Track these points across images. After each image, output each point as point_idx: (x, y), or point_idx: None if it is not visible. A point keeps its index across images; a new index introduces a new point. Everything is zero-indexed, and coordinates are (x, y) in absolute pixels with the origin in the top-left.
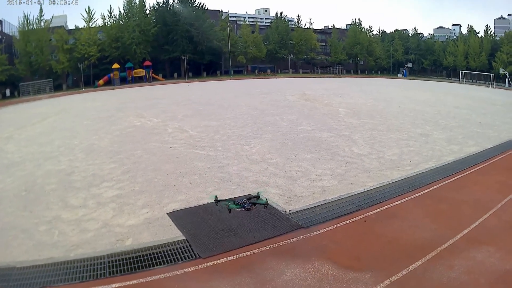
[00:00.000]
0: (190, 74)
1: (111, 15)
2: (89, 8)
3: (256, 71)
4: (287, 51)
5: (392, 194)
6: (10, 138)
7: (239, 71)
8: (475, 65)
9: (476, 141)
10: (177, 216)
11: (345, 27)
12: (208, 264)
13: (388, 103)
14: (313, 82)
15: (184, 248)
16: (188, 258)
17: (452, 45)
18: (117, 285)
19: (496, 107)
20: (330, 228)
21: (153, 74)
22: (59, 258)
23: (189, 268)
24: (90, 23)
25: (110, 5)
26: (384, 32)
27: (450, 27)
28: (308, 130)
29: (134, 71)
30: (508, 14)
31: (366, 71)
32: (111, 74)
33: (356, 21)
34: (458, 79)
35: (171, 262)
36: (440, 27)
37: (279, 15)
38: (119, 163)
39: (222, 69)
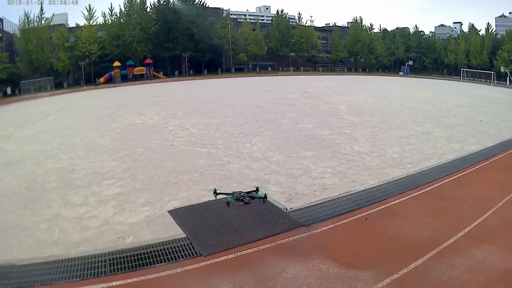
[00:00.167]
0: (191, 71)
1: (111, 13)
2: (90, 6)
3: (257, 69)
4: (288, 49)
5: (393, 192)
6: (11, 136)
7: (240, 69)
8: (476, 63)
9: (477, 139)
10: (178, 214)
11: (346, 25)
12: (209, 262)
13: (389, 101)
14: (314, 80)
15: (185, 246)
16: (189, 256)
17: (453, 43)
18: (117, 282)
19: (497, 105)
20: (331, 226)
21: (154, 72)
22: (60, 256)
23: (190, 266)
24: (91, 21)
25: (111, 3)
26: (385, 30)
27: (451, 25)
28: (309, 128)
29: (135, 69)
30: (510, 12)
31: (367, 69)
32: (112, 72)
33: (357, 19)
34: (459, 77)
35: (172, 260)
36: (441, 25)
37: (280, 12)
38: (120, 161)
39: (223, 67)
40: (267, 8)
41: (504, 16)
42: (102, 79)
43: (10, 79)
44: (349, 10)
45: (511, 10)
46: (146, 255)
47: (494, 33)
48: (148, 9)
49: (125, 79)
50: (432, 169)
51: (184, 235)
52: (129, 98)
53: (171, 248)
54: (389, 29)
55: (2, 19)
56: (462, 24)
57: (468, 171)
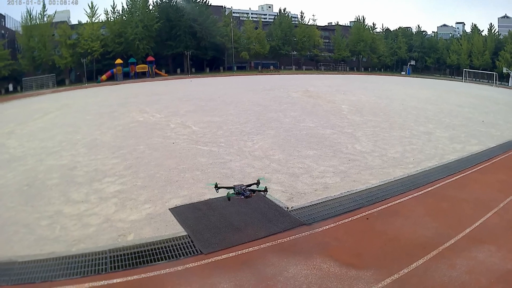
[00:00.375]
0: (193, 69)
1: (114, 11)
2: (92, 3)
3: (259, 67)
4: (290, 47)
5: (394, 192)
6: (12, 133)
7: (242, 67)
8: (479, 64)
9: (479, 140)
10: (179, 212)
11: (349, 24)
12: (209, 260)
13: (391, 100)
14: (316, 79)
15: (185, 244)
16: (190, 254)
17: (455, 44)
18: (118, 280)
19: (499, 106)
20: (332, 225)
21: (156, 70)
22: (61, 253)
23: (190, 264)
24: (93, 19)
25: (113, 1)
26: (387, 29)
27: (454, 25)
28: (311, 126)
29: (137, 66)
30: None
31: (369, 69)
32: (114, 70)
33: (360, 18)
34: (461, 78)
35: (172, 257)
36: (444, 25)
37: (282, 11)
38: (121, 158)
39: (225, 65)
40: (269, 7)
41: (507, 17)
42: (104, 77)
43: (12, 76)
44: (352, 9)
45: None
46: (147, 252)
47: (497, 33)
48: (151, 7)
49: (127, 76)
50: (433, 169)
51: (185, 233)
52: (131, 95)
53: (172, 246)
54: (391, 29)
55: (5, 16)
56: (464, 24)
57: (470, 171)
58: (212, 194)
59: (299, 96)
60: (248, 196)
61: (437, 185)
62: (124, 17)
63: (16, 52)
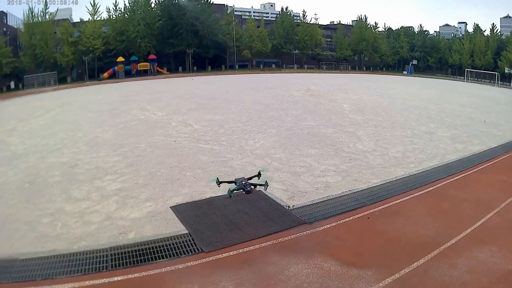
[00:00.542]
0: (195, 68)
1: (116, 8)
2: (94, 1)
3: (261, 65)
4: (292, 46)
5: (395, 192)
6: (14, 130)
7: (244, 66)
8: (481, 64)
9: (480, 140)
10: (180, 210)
11: (351, 23)
12: (210, 259)
13: (392, 100)
14: (318, 78)
15: (186, 242)
16: (191, 252)
17: (457, 43)
18: (119, 278)
19: (501, 106)
20: (333, 224)
21: (157, 68)
22: (62, 250)
23: (191, 262)
24: (95, 16)
25: None
26: (389, 28)
27: (456, 25)
28: (313, 125)
29: (138, 64)
30: None
31: (371, 68)
32: (116, 67)
33: (362, 17)
34: (463, 77)
35: (173, 256)
36: (446, 24)
37: (284, 10)
38: (122, 156)
39: (227, 64)
40: (271, 5)
41: (509, 17)
42: (105, 74)
43: (14, 74)
44: (354, 9)
45: None
46: (148, 250)
47: (499, 33)
48: (153, 5)
49: (128, 74)
50: (435, 169)
51: (186, 231)
52: (132, 93)
53: (172, 244)
54: (393, 28)
55: (6, 14)
56: (467, 24)
57: (471, 171)
58: (213, 192)
59: (301, 95)
60: (249, 191)
61: (438, 185)
62: (126, 15)
63: (17, 50)
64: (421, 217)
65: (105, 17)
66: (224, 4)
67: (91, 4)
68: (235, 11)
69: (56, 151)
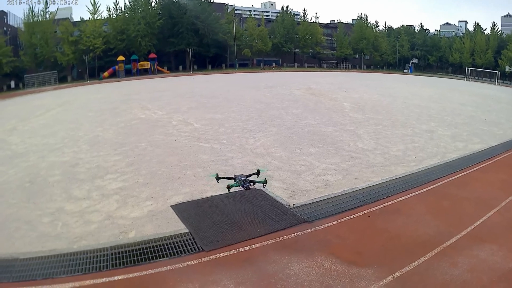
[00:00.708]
0: (195, 67)
1: (116, 7)
2: (94, 0)
3: (262, 64)
4: (293, 45)
5: (396, 190)
6: (14, 129)
7: (244, 65)
8: (481, 62)
9: (481, 138)
10: (180, 209)
11: (351, 22)
12: (211, 257)
13: (393, 98)
14: (318, 76)
15: (187, 241)
16: (191, 251)
17: (458, 42)
18: (119, 277)
19: (501, 105)
20: (334, 223)
21: (158, 67)
22: (62, 249)
23: (192, 261)
24: (96, 15)
25: None
26: (390, 27)
27: (457, 24)
28: (313, 124)
29: (139, 63)
30: None
31: (372, 66)
32: (116, 66)
33: (362, 16)
34: (463, 76)
35: (174, 255)
36: (447, 23)
37: (285, 8)
38: (123, 155)
39: (227, 62)
40: (272, 4)
41: (510, 16)
42: (106, 74)
43: (14, 73)
44: (354, 7)
45: None
46: (148, 249)
47: (500, 32)
48: (153, 4)
49: (129, 73)
50: (435, 168)
51: (187, 230)
52: (133, 92)
53: (173, 243)
54: (394, 27)
55: (7, 13)
56: (467, 22)
57: (472, 170)
58: (213, 191)
59: (301, 94)
60: (248, 188)
61: (438, 184)
62: (126, 14)
63: (18, 49)
64: (422, 216)
65: (105, 16)
66: (224, 3)
67: (91, 3)
68: (236, 10)
69: (56, 150)
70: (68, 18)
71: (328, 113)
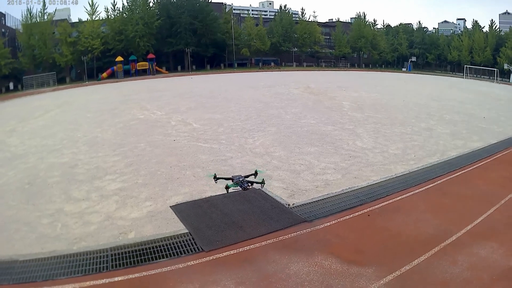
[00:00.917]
0: (194, 66)
1: (114, 8)
2: (92, 1)
3: (260, 64)
4: (291, 44)
5: (395, 189)
6: (13, 131)
7: (243, 64)
8: (480, 60)
9: (480, 136)
10: (180, 209)
11: (349, 21)
12: (211, 258)
13: (392, 97)
14: (317, 75)
15: (187, 241)
16: (191, 251)
17: (456, 40)
18: (119, 278)
19: (500, 103)
20: (333, 222)
21: (156, 67)
22: (62, 251)
23: (192, 262)
24: (94, 16)
25: None
26: (388, 25)
27: (455, 22)
28: (312, 123)
29: (137, 64)
30: None
31: (370, 65)
32: (115, 67)
33: (361, 15)
34: (462, 74)
35: (174, 255)
36: (445, 21)
37: (283, 8)
38: (122, 156)
39: (226, 62)
40: (270, 3)
41: (508, 13)
42: (104, 74)
43: (13, 74)
44: (352, 6)
45: None
46: (148, 250)
47: (498, 30)
48: (151, 4)
49: (127, 74)
50: (435, 166)
51: (186, 231)
52: (131, 93)
53: (173, 243)
54: (392, 25)
55: (5, 14)
56: (465, 20)
57: (471, 168)
58: (213, 191)
59: (300, 93)
60: (246, 188)
61: (438, 182)
62: (124, 15)
63: (16, 51)
64: (422, 214)
65: (103, 17)
66: (222, 3)
67: (89, 4)
68: (234, 9)
69: (55, 152)
70: (66, 19)
71: (327, 112)
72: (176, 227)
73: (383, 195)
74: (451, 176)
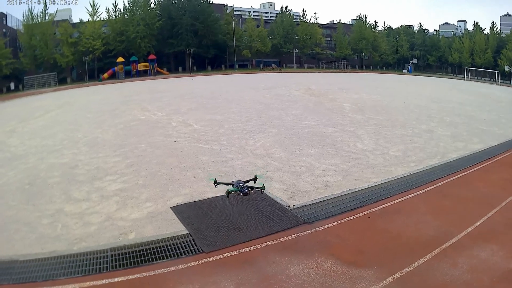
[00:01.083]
0: (195, 68)
1: (115, 9)
2: (93, 1)
3: (261, 65)
4: (292, 45)
5: (396, 191)
6: (14, 131)
7: (244, 65)
8: (481, 62)
9: (481, 138)
10: (180, 210)
11: (351, 22)
12: (211, 259)
13: (393, 98)
14: (318, 77)
15: (187, 242)
16: (191, 252)
17: (457, 42)
18: (119, 279)
19: (501, 105)
20: (334, 223)
21: (157, 68)
22: (62, 251)
23: (192, 263)
24: (95, 17)
25: None
26: (389, 27)
27: (456, 24)
28: (313, 125)
29: (138, 64)
30: None
31: (371, 67)
32: (116, 68)
33: (362, 16)
34: (463, 76)
35: (174, 256)
36: (446, 23)
37: (284, 9)
38: (123, 157)
39: (227, 63)
40: (271, 5)
41: (509, 15)
42: (105, 75)
43: (14, 75)
44: (354, 8)
45: None
46: (148, 251)
47: (499, 32)
48: (152, 5)
49: (128, 75)
50: (435, 168)
51: (187, 232)
52: (132, 93)
53: (173, 244)
54: (393, 27)
55: (6, 15)
56: (466, 22)
57: (472, 170)
58: (213, 192)
59: (301, 94)
60: (247, 193)
61: (439, 184)
62: (125, 15)
63: (17, 51)
64: (422, 216)
65: (104, 17)
66: (223, 4)
67: (90, 4)
68: (235, 10)
69: (56, 152)
70: (67, 19)
71: (328, 113)
72: (176, 228)
73: (383, 197)
74: (452, 178)
